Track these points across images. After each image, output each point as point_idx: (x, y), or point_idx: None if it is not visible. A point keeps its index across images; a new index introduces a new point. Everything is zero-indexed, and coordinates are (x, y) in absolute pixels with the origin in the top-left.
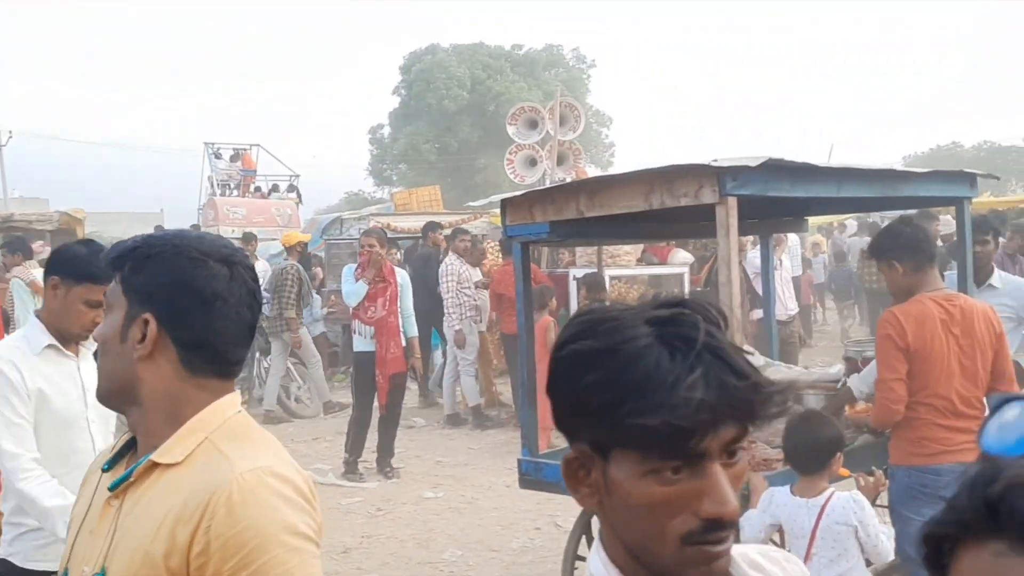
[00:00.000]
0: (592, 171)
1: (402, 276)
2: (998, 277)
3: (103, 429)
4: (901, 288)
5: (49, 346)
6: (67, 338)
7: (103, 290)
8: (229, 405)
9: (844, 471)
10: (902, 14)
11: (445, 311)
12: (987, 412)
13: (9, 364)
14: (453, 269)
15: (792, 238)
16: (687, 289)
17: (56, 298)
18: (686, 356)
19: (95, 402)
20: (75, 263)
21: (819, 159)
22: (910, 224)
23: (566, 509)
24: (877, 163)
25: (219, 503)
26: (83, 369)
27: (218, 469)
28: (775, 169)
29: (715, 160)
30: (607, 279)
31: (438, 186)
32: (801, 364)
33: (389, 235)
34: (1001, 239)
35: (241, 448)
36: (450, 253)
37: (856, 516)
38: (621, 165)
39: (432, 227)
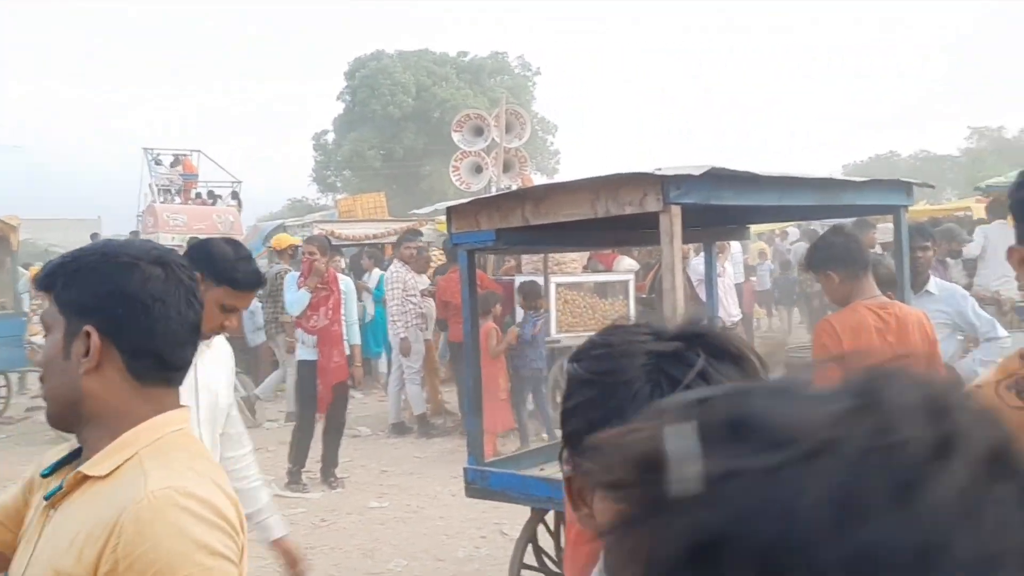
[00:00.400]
0: (538, 178)
1: (346, 284)
2: (935, 284)
3: (211, 430)
4: (838, 297)
5: None
6: None
7: (241, 296)
8: (170, 421)
9: None
10: (863, 17)
11: (389, 319)
12: None
13: None
14: (398, 276)
15: (734, 246)
16: (632, 296)
17: None
18: (662, 396)
19: (207, 401)
20: (220, 264)
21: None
22: (842, 234)
23: (512, 517)
24: (817, 172)
25: (127, 522)
26: (199, 367)
27: (132, 487)
28: (718, 178)
29: (659, 169)
30: (553, 286)
31: (383, 193)
32: None
33: (334, 242)
34: None
35: (164, 466)
36: (395, 261)
37: None
38: (567, 172)
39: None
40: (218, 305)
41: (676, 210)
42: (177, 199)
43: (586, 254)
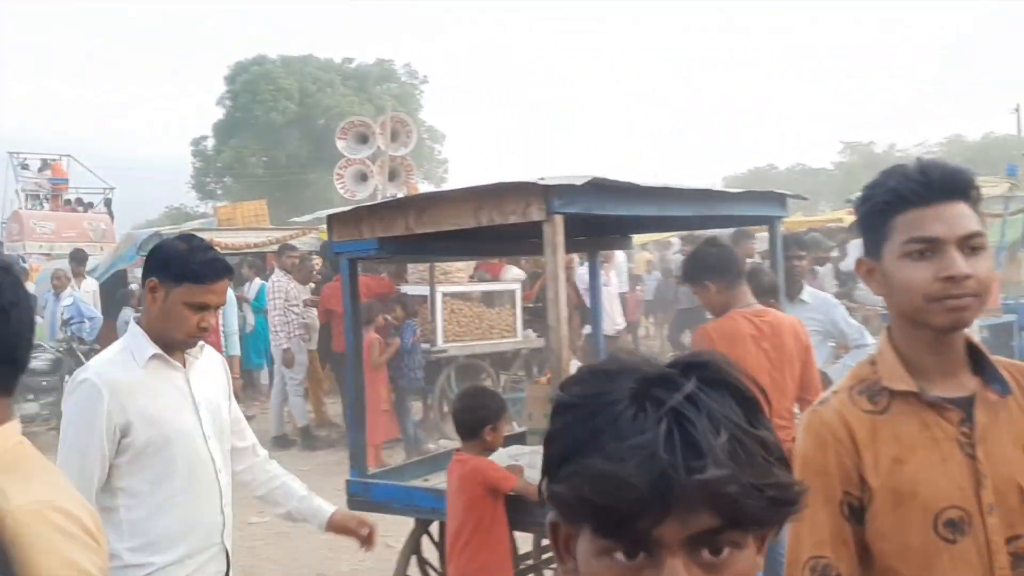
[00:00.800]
0: (425, 187)
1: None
2: (808, 292)
3: (220, 445)
4: (715, 306)
5: (155, 356)
6: (171, 346)
7: (208, 290)
8: (11, 433)
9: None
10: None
11: (271, 329)
12: (796, 421)
13: (109, 389)
14: (280, 287)
15: (620, 255)
16: (519, 305)
17: (156, 302)
18: (645, 419)
19: (209, 416)
20: (173, 262)
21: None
22: (716, 245)
23: (397, 529)
24: (698, 184)
25: None
26: (192, 381)
27: None
28: (600, 188)
29: (542, 178)
30: (440, 296)
31: (264, 200)
32: None
33: None
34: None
35: (23, 480)
36: (277, 270)
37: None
38: (455, 181)
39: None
40: (185, 306)
41: (559, 220)
42: (46, 205)
43: (472, 263)
